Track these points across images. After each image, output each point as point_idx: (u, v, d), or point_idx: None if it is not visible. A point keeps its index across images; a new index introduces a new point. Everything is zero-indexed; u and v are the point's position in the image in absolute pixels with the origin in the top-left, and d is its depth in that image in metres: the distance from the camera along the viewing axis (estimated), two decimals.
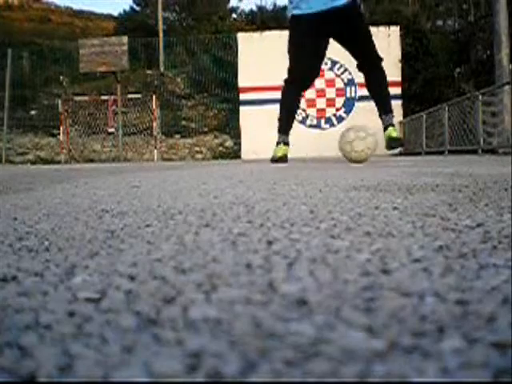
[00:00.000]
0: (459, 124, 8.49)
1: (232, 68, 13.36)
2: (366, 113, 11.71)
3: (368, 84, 4.64)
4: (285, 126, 4.74)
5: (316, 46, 4.51)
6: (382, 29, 12.08)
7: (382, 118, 4.58)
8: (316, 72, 4.72)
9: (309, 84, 4.87)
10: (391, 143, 4.47)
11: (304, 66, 4.55)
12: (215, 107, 14.68)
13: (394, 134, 4.52)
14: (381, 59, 4.54)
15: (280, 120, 4.76)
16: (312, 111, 12.02)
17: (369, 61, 4.52)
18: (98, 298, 0.42)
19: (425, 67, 12.29)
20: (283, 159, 4.58)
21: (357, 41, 4.48)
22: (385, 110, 4.58)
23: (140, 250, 0.62)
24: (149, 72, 15.41)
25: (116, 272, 0.51)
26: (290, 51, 4.61)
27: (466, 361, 0.28)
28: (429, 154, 9.28)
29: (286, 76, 4.64)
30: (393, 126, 4.57)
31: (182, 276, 0.49)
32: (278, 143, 4.66)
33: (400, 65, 12.01)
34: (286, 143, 4.68)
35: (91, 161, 13.40)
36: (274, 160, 4.56)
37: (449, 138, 8.83)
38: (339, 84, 12.10)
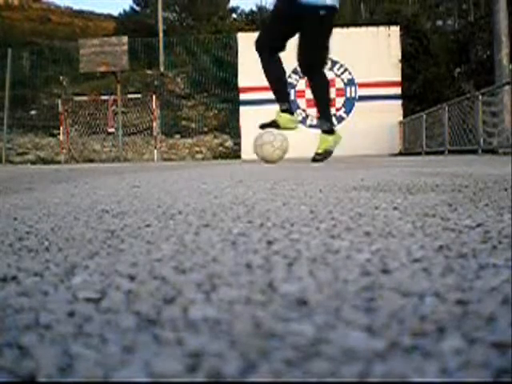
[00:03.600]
0: (459, 124, 8.49)
1: (232, 68, 13.35)
2: (366, 113, 11.78)
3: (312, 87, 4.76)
4: (282, 95, 4.77)
5: (289, 22, 4.44)
6: (381, 29, 12.10)
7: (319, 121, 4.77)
8: (284, 40, 4.55)
9: (279, 46, 4.60)
10: (315, 156, 4.55)
11: (274, 30, 4.56)
12: (215, 107, 14.67)
13: (322, 147, 4.55)
14: (321, 66, 4.60)
15: (274, 91, 4.77)
16: (312, 111, 11.98)
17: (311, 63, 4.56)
18: (98, 298, 0.42)
19: (425, 67, 12.30)
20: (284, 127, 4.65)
21: (310, 40, 4.43)
22: (321, 114, 4.79)
23: (140, 250, 0.62)
24: (149, 72, 15.40)
25: (116, 272, 0.51)
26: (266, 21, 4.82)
27: (466, 361, 0.28)
28: (429, 154, 9.28)
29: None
30: (328, 133, 4.62)
31: (182, 276, 0.49)
32: (282, 111, 4.67)
33: (400, 65, 12.01)
34: (290, 111, 4.72)
35: (91, 161, 13.39)
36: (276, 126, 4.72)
37: (449, 138, 8.83)
38: (339, 84, 12.10)
